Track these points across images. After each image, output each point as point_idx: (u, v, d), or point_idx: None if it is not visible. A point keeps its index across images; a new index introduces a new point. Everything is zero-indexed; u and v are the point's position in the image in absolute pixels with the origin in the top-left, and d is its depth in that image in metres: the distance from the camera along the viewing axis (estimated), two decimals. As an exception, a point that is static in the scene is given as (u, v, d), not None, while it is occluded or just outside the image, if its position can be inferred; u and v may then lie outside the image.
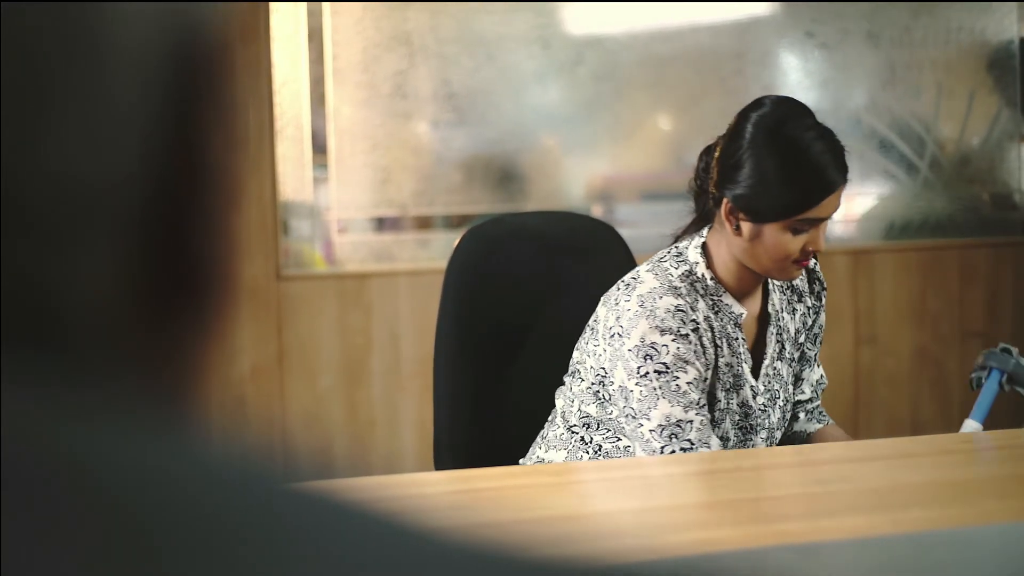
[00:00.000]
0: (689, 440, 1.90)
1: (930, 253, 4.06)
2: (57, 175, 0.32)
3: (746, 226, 1.93)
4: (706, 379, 1.95)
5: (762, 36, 3.94)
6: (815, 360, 2.20)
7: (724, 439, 1.99)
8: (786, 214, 1.89)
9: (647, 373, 1.91)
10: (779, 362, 2.08)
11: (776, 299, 2.09)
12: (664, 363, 1.90)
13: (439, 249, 3.77)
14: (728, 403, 2.00)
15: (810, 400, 2.20)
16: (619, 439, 2.02)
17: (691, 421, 1.90)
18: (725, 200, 1.94)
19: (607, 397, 2.00)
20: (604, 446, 2.04)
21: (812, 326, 2.16)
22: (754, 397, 2.02)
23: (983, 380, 2.11)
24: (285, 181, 3.64)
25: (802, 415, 2.19)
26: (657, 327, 1.90)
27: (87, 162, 0.32)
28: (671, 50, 3.83)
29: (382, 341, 3.62)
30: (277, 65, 3.59)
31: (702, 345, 1.94)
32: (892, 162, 4.05)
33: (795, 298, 2.13)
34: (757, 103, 1.97)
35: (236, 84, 0.37)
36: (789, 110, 1.95)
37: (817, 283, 2.17)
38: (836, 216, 4.48)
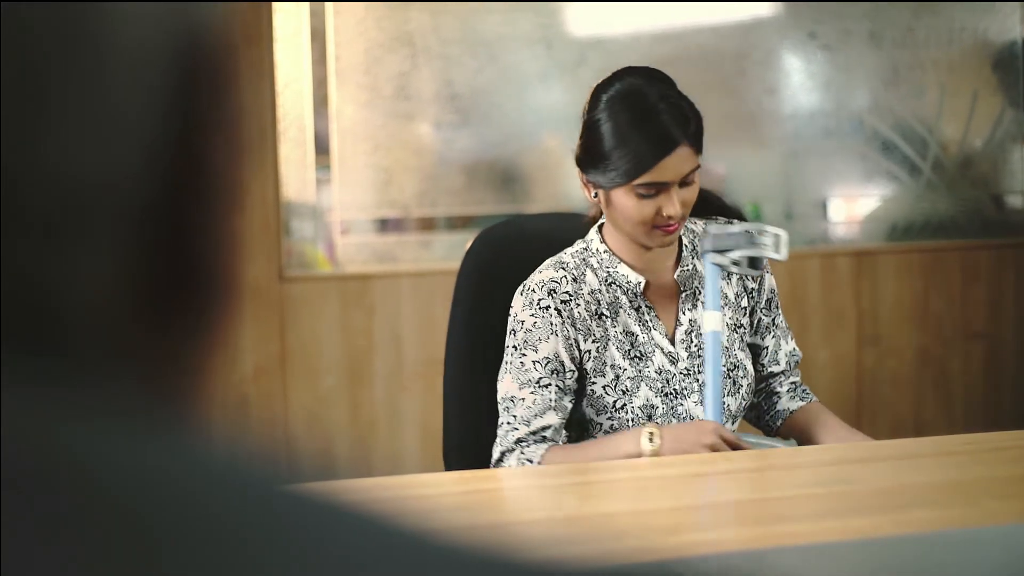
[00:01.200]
0: (514, 416, 2.00)
1: (933, 254, 4.06)
2: (58, 175, 0.32)
3: (600, 194, 2.00)
4: (560, 361, 2.01)
5: (764, 37, 3.94)
6: (781, 330, 2.19)
7: (649, 407, 2.01)
8: (621, 180, 1.95)
9: (508, 347, 2.03)
10: None
11: (697, 264, 2.10)
12: (521, 340, 2.01)
13: (441, 250, 3.77)
14: (640, 371, 2.02)
15: (784, 373, 2.20)
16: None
17: (523, 399, 1.99)
18: (579, 171, 2.03)
19: None
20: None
21: (759, 291, 2.16)
22: (674, 363, 2.04)
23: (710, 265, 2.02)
24: (288, 182, 3.64)
25: (784, 393, 2.18)
26: (525, 302, 2.01)
27: (88, 163, 0.32)
28: (674, 51, 3.83)
29: (384, 342, 3.62)
30: (280, 66, 3.59)
31: (571, 317, 2.01)
32: (895, 163, 4.05)
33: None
34: (607, 78, 2.04)
35: (238, 85, 0.37)
36: (629, 81, 2.00)
37: None
38: (838, 217, 4.43)
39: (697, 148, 1.97)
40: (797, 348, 2.22)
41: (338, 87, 3.66)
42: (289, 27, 3.62)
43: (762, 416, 2.20)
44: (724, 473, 1.79)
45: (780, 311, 2.19)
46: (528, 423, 1.99)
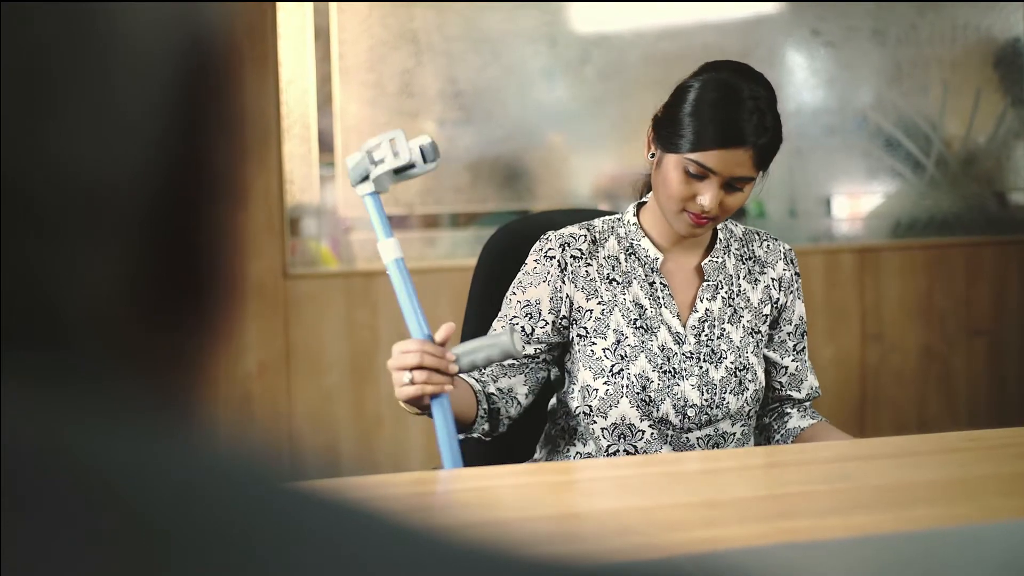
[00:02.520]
0: (508, 316, 2.07)
1: (936, 251, 4.05)
2: (62, 174, 0.32)
3: (657, 152, 2.03)
4: (548, 309, 2.05)
5: (768, 34, 3.94)
6: (806, 363, 2.20)
7: (644, 378, 2.02)
8: (677, 148, 1.98)
9: (514, 285, 2.10)
10: (731, 324, 2.10)
11: (728, 262, 2.13)
12: (519, 280, 2.08)
13: (446, 247, 3.77)
14: (642, 342, 2.04)
15: (801, 402, 2.20)
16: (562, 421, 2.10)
17: (495, 330, 2.04)
18: (651, 123, 2.06)
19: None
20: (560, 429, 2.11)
21: (783, 310, 2.16)
22: (679, 343, 2.05)
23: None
24: (292, 179, 3.64)
25: (795, 414, 2.19)
26: (537, 248, 2.09)
27: (93, 161, 0.32)
28: (678, 48, 3.83)
29: (389, 339, 3.61)
30: (284, 64, 3.59)
31: (574, 275, 2.05)
32: (898, 160, 4.05)
33: (756, 268, 2.16)
34: (717, 61, 2.06)
35: (243, 85, 0.37)
36: (736, 70, 2.02)
37: (788, 265, 2.19)
38: (842, 214, 4.42)
39: (760, 161, 1.97)
40: (817, 384, 2.23)
41: (342, 84, 3.66)
42: (293, 25, 3.62)
43: (773, 435, 2.20)
44: (728, 470, 1.79)
45: (806, 341, 2.20)
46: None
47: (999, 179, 4.18)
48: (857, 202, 4.13)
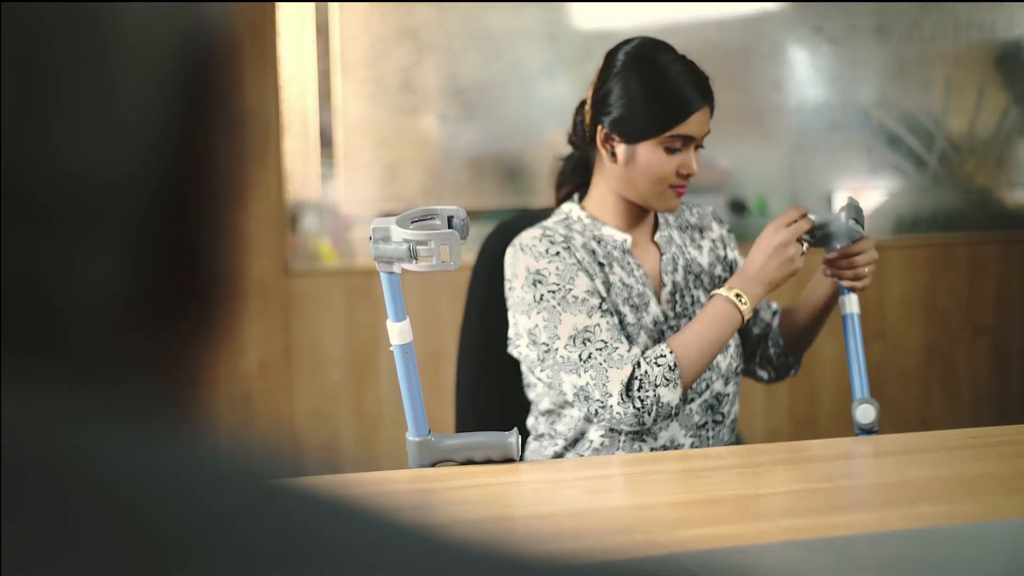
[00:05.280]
0: (603, 340, 1.94)
1: (939, 248, 4.05)
2: (63, 173, 0.32)
3: (621, 149, 2.02)
4: (598, 291, 2.01)
5: (771, 31, 3.94)
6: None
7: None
8: (657, 130, 1.98)
9: (542, 297, 1.98)
10: (697, 290, 2.14)
11: (673, 234, 2.17)
12: (554, 283, 1.98)
13: (447, 244, 3.77)
14: (639, 319, 2.05)
15: (771, 324, 2.24)
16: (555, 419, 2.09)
17: (598, 324, 1.95)
18: (600, 127, 2.04)
19: (522, 358, 2.05)
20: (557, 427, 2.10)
21: (733, 265, 2.22)
22: (665, 319, 2.08)
23: None
24: (292, 177, 3.64)
25: (774, 327, 2.24)
26: (534, 256, 2.00)
27: (93, 160, 0.32)
28: (679, 45, 3.80)
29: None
30: (284, 60, 3.59)
31: (577, 260, 2.02)
32: (901, 157, 4.05)
33: (696, 234, 2.20)
34: (624, 41, 2.08)
35: (243, 82, 0.37)
36: (651, 41, 2.06)
37: (719, 223, 2.25)
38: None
39: (712, 113, 2.03)
40: (776, 304, 2.28)
41: (343, 81, 3.66)
42: (294, 22, 3.62)
43: (772, 359, 2.24)
44: (730, 468, 1.79)
45: None
46: (619, 344, 1.96)
47: (1002, 176, 4.17)
48: (859, 199, 4.13)
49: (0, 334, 0.31)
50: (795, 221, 2.01)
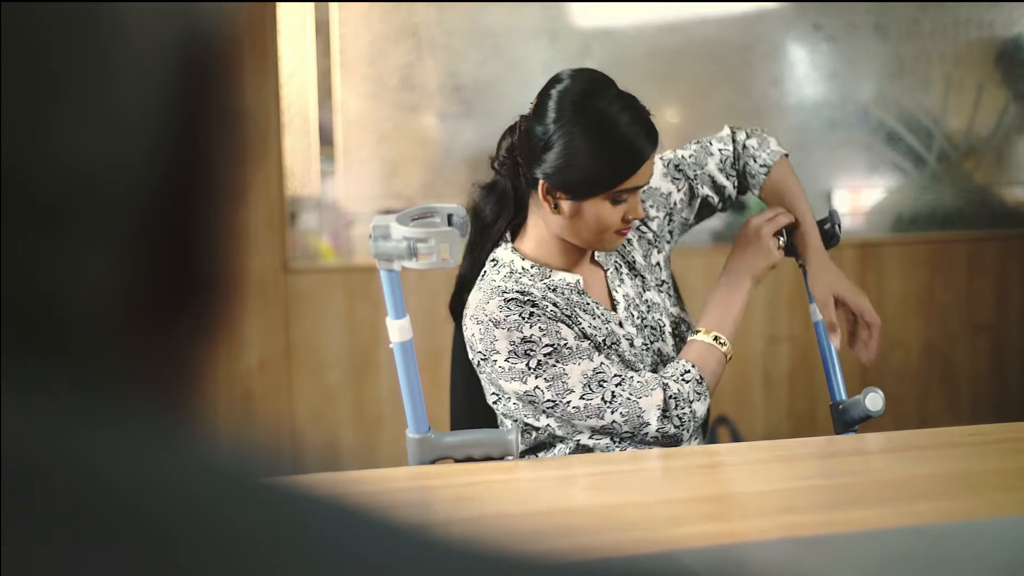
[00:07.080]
0: (616, 375, 1.92)
1: (938, 246, 4.05)
2: (62, 172, 0.32)
3: (565, 204, 1.93)
4: (583, 333, 1.97)
5: (770, 29, 3.94)
6: (694, 168, 2.19)
7: None
8: (604, 188, 1.90)
9: (539, 363, 1.91)
10: (648, 292, 2.09)
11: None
12: (547, 344, 1.91)
13: (446, 242, 3.77)
14: (620, 354, 2.00)
15: (725, 160, 2.22)
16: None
17: (602, 362, 1.93)
18: (541, 182, 1.93)
19: (506, 413, 2.00)
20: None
21: (663, 210, 2.14)
22: (631, 344, 2.03)
23: None
24: (292, 174, 3.64)
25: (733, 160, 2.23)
26: (513, 327, 1.90)
27: (92, 159, 0.32)
28: (679, 43, 3.83)
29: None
30: (284, 58, 3.59)
31: (550, 313, 1.93)
32: (900, 155, 4.05)
33: (633, 234, 2.13)
34: (555, 79, 1.96)
35: (243, 83, 0.37)
36: (589, 83, 1.94)
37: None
38: (844, 208, 4.43)
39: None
40: (704, 142, 2.21)
41: (343, 79, 3.66)
42: (294, 19, 3.62)
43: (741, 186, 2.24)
44: (730, 465, 1.79)
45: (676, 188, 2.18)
46: (632, 371, 1.96)
47: (1001, 174, 4.17)
48: (859, 196, 4.13)
49: (0, 335, 0.31)
50: (772, 218, 2.06)
